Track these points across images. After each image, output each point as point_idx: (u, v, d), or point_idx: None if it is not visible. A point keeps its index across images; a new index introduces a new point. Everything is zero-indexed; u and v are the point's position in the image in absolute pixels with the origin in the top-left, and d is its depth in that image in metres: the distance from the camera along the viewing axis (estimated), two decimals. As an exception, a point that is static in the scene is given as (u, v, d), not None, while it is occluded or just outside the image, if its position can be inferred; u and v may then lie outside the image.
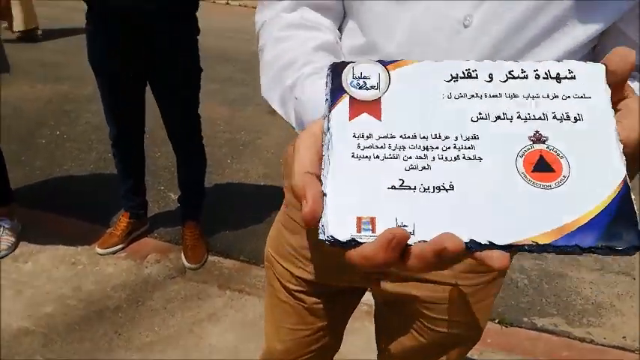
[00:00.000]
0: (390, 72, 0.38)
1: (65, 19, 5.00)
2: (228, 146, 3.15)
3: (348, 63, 0.39)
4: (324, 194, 0.34)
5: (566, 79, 0.37)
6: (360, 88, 0.37)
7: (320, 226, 0.34)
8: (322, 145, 0.37)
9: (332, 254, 0.73)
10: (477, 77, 0.37)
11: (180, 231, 2.17)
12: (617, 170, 0.33)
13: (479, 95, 0.36)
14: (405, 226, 0.32)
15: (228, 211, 2.47)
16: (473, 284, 0.72)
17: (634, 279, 2.29)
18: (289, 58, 0.55)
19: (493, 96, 0.36)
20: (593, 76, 0.36)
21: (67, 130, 3.18)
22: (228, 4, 7.92)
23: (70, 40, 4.70)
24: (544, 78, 0.37)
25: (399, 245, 0.31)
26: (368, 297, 0.87)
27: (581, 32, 0.51)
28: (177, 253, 2.13)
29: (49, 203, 2.38)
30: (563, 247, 0.32)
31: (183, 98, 1.89)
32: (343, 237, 0.33)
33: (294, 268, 0.79)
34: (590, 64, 0.37)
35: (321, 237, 0.33)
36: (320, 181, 0.35)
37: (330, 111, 0.37)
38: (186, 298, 1.93)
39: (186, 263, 2.07)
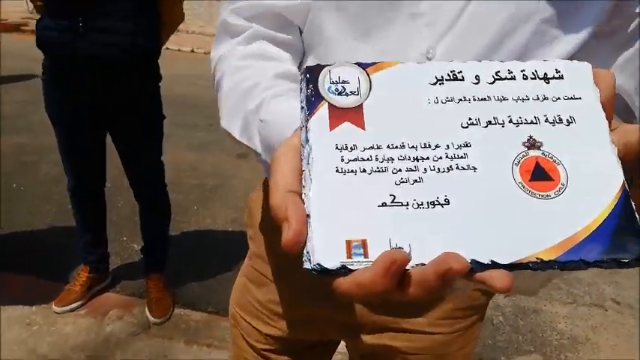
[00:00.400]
0: (370, 75, 0.35)
1: (27, 69, 4.93)
2: (195, 192, 3.09)
3: (324, 66, 0.35)
4: (308, 215, 0.30)
5: (555, 79, 0.35)
6: (340, 94, 0.34)
7: (304, 253, 0.30)
8: (301, 160, 0.33)
9: (303, 306, 0.69)
10: (463, 79, 0.35)
11: (144, 284, 2.07)
12: (614, 175, 0.32)
13: (467, 99, 0.34)
14: (400, 247, 0.30)
15: (195, 261, 2.38)
16: (451, 331, 0.68)
17: (606, 310, 2.30)
18: (251, 84, 0.52)
19: (482, 99, 0.34)
20: (580, 75, 0.35)
21: (25, 182, 3.06)
22: (193, 51, 7.99)
23: (29, 91, 4.61)
24: (532, 78, 0.35)
25: (399, 271, 0.28)
26: (342, 345, 0.82)
27: (549, 56, 0.51)
28: (142, 307, 2.02)
29: (3, 261, 2.25)
30: (569, 263, 0.30)
31: (144, 147, 1.84)
32: (332, 264, 0.29)
33: (261, 324, 0.74)
34: (575, 62, 0.36)
35: (307, 266, 0.30)
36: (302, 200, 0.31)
37: (307, 120, 0.33)
38: (151, 356, 1.81)
39: (150, 318, 1.96)
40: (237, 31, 0.58)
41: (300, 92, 0.35)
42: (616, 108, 0.49)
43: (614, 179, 0.31)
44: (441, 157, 0.32)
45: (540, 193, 0.31)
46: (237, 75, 0.54)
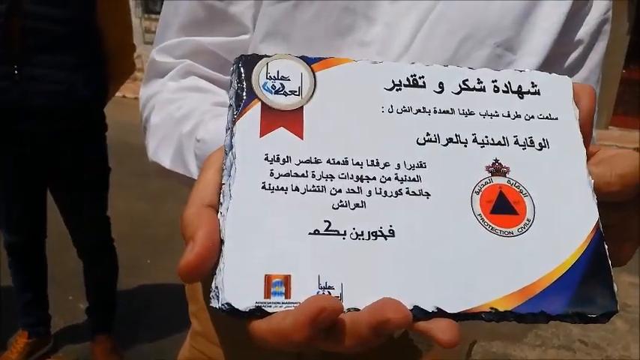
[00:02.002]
0: (315, 73, 0.30)
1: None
2: (148, 243, 2.94)
3: (262, 57, 0.30)
4: (222, 241, 0.25)
5: (530, 95, 0.30)
6: (277, 92, 0.29)
7: (213, 287, 0.25)
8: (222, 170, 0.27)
9: None
10: (424, 86, 0.30)
11: (89, 347, 1.90)
12: (588, 212, 0.27)
13: (427, 110, 0.29)
14: (330, 287, 0.25)
15: (147, 319, 2.22)
16: None
17: (575, 352, 2.27)
18: (186, 111, 0.47)
19: (444, 111, 0.29)
20: (559, 91, 0.31)
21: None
22: (136, 98, 7.87)
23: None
24: (504, 92, 0.30)
25: (327, 322, 0.23)
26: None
27: None
28: (86, 374, 1.85)
29: None
30: (528, 316, 0.25)
31: (86, 201, 1.73)
32: (245, 305, 0.24)
33: None
34: (555, 76, 0.31)
35: (214, 304, 0.24)
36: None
37: (234, 122, 0.28)
38: None
39: (96, 386, 1.79)
40: (166, 68, 0.54)
41: (230, 86, 0.29)
42: None
43: (588, 218, 0.27)
44: (389, 179, 0.27)
45: (502, 230, 0.27)
46: (170, 106, 0.50)
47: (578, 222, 0.27)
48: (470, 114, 0.29)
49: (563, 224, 0.27)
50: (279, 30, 0.49)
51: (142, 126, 0.54)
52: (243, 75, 0.29)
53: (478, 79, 0.30)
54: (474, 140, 0.29)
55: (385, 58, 0.47)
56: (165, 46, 0.54)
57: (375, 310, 0.23)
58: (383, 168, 0.27)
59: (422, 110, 0.29)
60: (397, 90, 0.30)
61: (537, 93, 0.30)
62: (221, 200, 0.26)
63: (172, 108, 0.50)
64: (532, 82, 0.31)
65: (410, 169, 0.28)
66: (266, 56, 0.30)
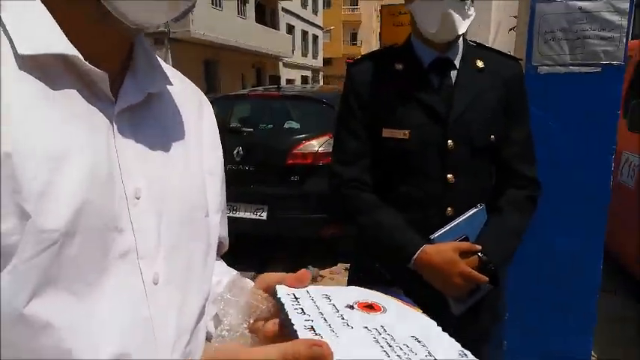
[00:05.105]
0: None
1: None
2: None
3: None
4: None
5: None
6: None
7: None
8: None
9: None
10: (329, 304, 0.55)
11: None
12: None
13: (328, 314, 0.53)
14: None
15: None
16: None
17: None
18: None
19: (325, 312, 0.54)
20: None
21: None
22: None
23: None
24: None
25: None
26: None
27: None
28: None
29: None
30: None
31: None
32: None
33: None
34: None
35: None
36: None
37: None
38: None
39: None
40: None
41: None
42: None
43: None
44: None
45: (375, 312, 0.54)
46: None
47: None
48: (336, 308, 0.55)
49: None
50: (50, 275, 0.46)
51: None
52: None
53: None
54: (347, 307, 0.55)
55: (147, 260, 0.55)
56: None
57: None
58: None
59: (325, 316, 0.52)
60: (306, 315, 0.52)
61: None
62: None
63: None
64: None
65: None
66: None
